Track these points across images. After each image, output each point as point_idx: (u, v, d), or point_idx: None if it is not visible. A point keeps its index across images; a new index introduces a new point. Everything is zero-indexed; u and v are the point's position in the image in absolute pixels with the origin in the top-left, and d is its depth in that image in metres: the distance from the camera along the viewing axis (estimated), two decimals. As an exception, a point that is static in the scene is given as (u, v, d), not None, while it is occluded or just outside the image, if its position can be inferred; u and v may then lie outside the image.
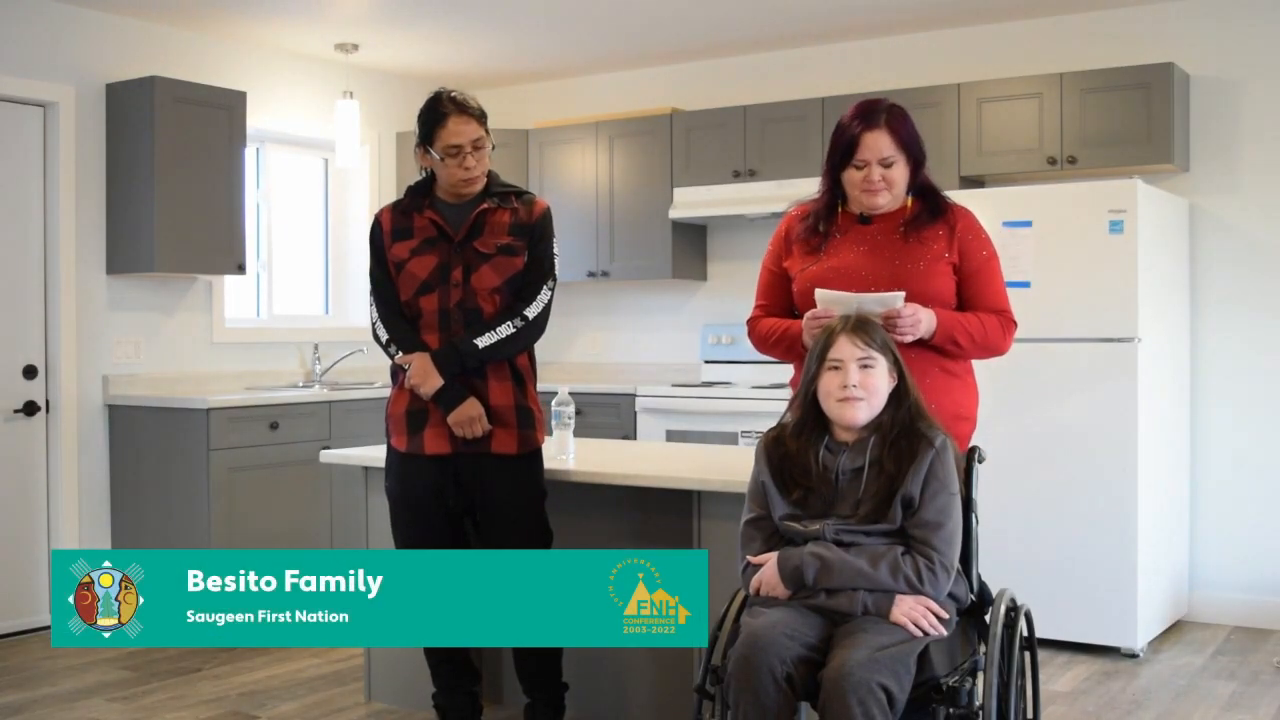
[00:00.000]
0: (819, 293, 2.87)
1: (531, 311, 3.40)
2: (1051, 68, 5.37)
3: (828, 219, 3.02)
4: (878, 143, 2.91)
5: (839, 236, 3.01)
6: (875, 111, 2.94)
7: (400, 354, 3.40)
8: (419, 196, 3.47)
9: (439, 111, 3.34)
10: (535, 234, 3.43)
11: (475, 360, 3.34)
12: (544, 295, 3.44)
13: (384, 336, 3.45)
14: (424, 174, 3.49)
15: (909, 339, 2.83)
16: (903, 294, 2.83)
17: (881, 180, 2.92)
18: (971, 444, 2.90)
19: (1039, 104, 5.20)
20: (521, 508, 3.43)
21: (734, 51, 6.21)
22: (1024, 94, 5.24)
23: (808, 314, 2.89)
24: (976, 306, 2.97)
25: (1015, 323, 3.03)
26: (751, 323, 3.16)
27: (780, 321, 3.07)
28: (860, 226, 3.00)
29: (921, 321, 2.83)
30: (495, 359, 3.37)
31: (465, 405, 3.34)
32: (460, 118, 3.33)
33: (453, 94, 3.37)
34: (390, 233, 3.45)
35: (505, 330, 3.36)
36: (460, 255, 3.38)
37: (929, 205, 3.00)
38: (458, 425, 3.34)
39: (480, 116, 3.37)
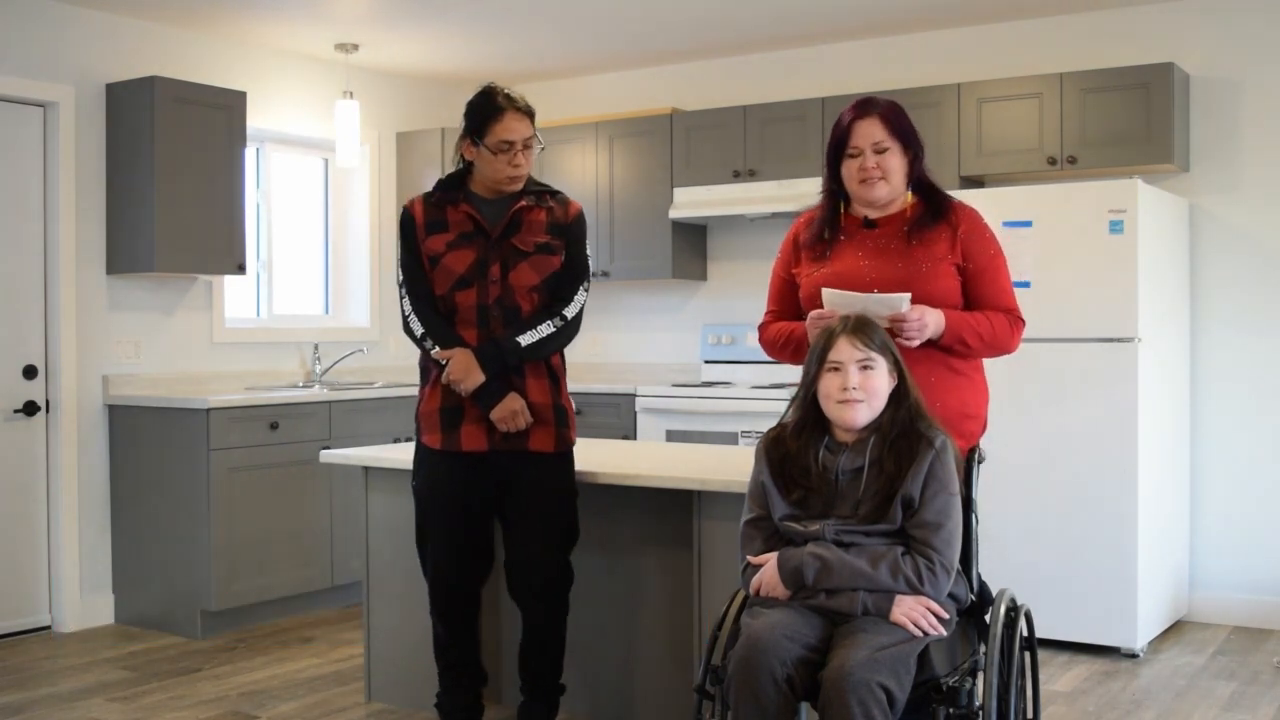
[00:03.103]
0: (825, 292, 2.87)
1: (570, 311, 3.41)
2: (1051, 68, 5.38)
3: (832, 223, 3.03)
4: (870, 129, 2.92)
5: (844, 240, 3.01)
6: (869, 103, 2.97)
7: (437, 349, 3.34)
8: (452, 190, 3.42)
9: (495, 106, 3.32)
10: (572, 234, 3.44)
11: (516, 358, 3.32)
12: (580, 296, 3.45)
13: (418, 330, 3.38)
14: (460, 165, 3.44)
15: (916, 342, 2.83)
16: (908, 296, 2.82)
17: (876, 167, 2.92)
18: (972, 444, 2.90)
19: (1039, 104, 5.20)
20: (556, 505, 3.43)
21: (734, 51, 6.21)
22: (1024, 94, 5.24)
23: (812, 313, 2.90)
24: (983, 306, 2.97)
25: (1023, 321, 3.03)
26: (761, 328, 3.17)
27: (787, 325, 3.08)
28: (865, 230, 3.00)
29: (929, 325, 2.83)
30: (535, 358, 3.36)
31: (508, 399, 3.31)
32: (516, 114, 3.32)
33: (507, 91, 3.36)
34: (424, 225, 3.39)
35: (546, 329, 3.36)
36: (497, 251, 3.35)
37: (932, 206, 3.00)
38: (501, 419, 3.31)
39: (532, 116, 3.38)
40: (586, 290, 3.48)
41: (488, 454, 3.36)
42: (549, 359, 3.42)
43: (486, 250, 3.35)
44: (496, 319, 3.34)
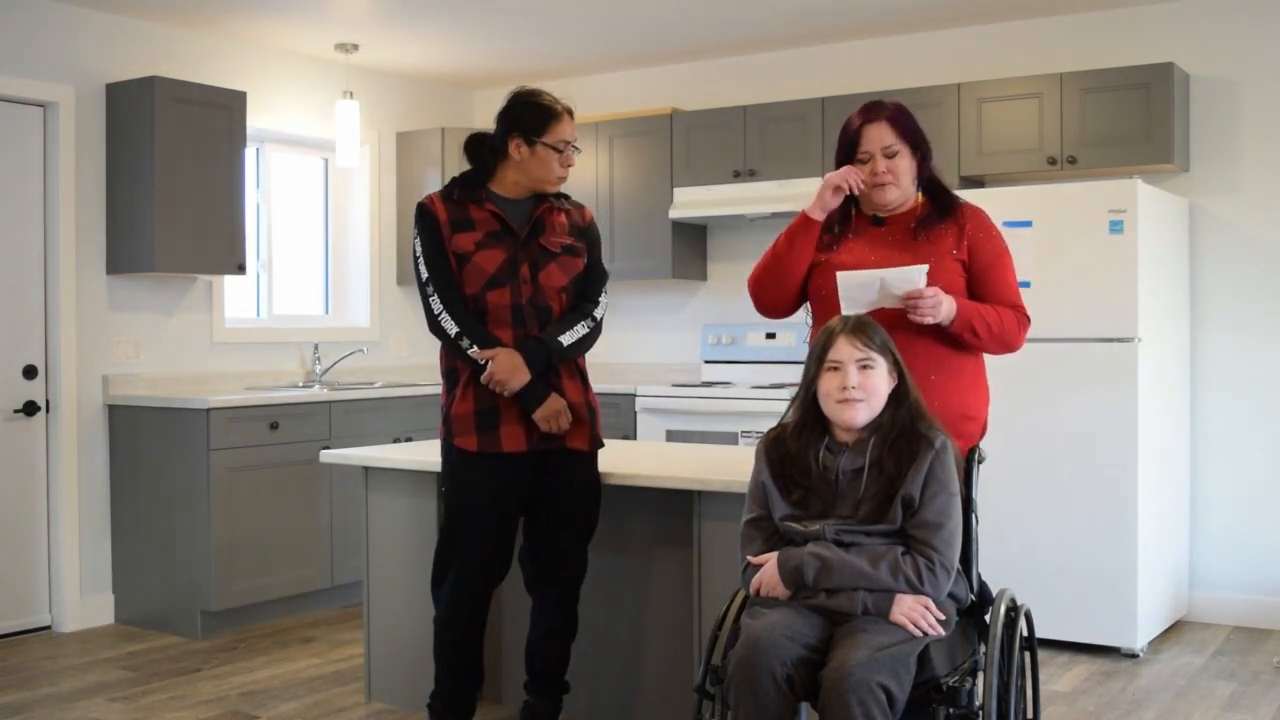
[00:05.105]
0: (840, 275, 2.88)
1: (598, 313, 3.45)
2: (1051, 68, 5.38)
3: (842, 221, 3.04)
4: (879, 133, 2.94)
5: (852, 237, 3.03)
6: (877, 107, 3.00)
7: (475, 348, 3.27)
8: (474, 188, 3.38)
9: (553, 109, 3.35)
10: (590, 238, 3.49)
11: (560, 358, 3.33)
12: (604, 298, 3.49)
13: (452, 330, 3.28)
14: (491, 159, 3.39)
15: (929, 320, 2.83)
16: (925, 268, 2.83)
17: (887, 171, 2.94)
18: (971, 445, 2.90)
19: (1039, 104, 5.20)
20: (588, 503, 3.46)
21: (734, 51, 6.21)
22: (1024, 94, 5.24)
23: (826, 176, 2.93)
24: (990, 302, 2.98)
25: (1029, 319, 3.04)
26: (750, 280, 3.15)
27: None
28: (873, 228, 3.03)
29: (943, 304, 2.84)
30: (572, 357, 3.39)
31: (551, 399, 3.31)
32: (569, 118, 3.37)
33: (553, 95, 3.39)
34: (448, 223, 3.33)
35: (581, 329, 3.38)
36: (526, 252, 3.34)
37: (939, 204, 3.02)
38: (545, 420, 3.30)
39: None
40: (607, 293, 3.52)
41: (525, 454, 3.34)
42: (577, 359, 3.44)
43: (516, 250, 3.33)
44: (531, 319, 3.33)
